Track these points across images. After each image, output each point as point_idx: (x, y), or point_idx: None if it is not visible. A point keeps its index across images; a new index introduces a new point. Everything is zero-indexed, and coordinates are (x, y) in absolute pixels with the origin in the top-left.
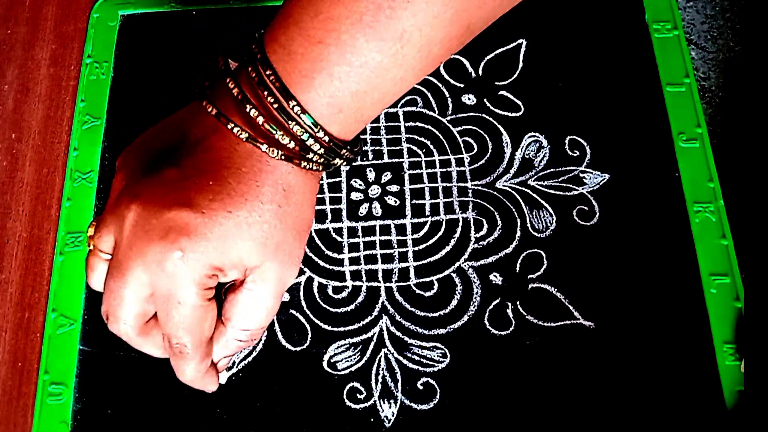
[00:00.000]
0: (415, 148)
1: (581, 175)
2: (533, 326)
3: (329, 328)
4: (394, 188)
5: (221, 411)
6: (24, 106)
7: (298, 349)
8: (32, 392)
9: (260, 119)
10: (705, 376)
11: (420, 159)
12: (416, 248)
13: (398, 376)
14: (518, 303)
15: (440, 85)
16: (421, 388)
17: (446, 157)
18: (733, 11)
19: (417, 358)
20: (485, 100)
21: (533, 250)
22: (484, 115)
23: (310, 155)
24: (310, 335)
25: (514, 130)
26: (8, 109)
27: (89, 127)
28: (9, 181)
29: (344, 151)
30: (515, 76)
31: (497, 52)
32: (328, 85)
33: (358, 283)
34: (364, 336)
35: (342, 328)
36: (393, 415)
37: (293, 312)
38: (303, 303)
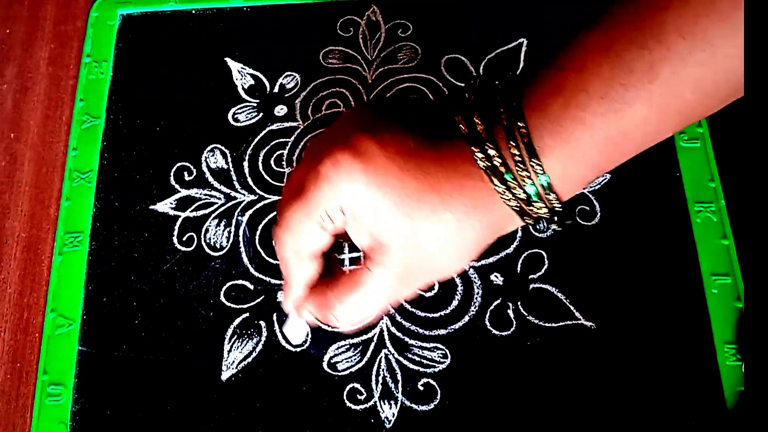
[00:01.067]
0: None
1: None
2: (534, 326)
3: (329, 328)
4: None
5: (221, 412)
6: (23, 106)
7: (298, 349)
8: (31, 393)
9: (497, 161)
10: (705, 376)
11: None
12: None
13: (399, 377)
14: (519, 303)
15: (441, 84)
16: (421, 388)
17: None
18: None
19: (417, 358)
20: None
21: (534, 250)
22: None
23: (517, 191)
24: (310, 336)
25: None
26: (7, 109)
27: (88, 127)
28: (8, 181)
29: (556, 214)
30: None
31: (498, 51)
32: (572, 157)
33: None
34: (365, 336)
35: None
36: (393, 416)
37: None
38: None
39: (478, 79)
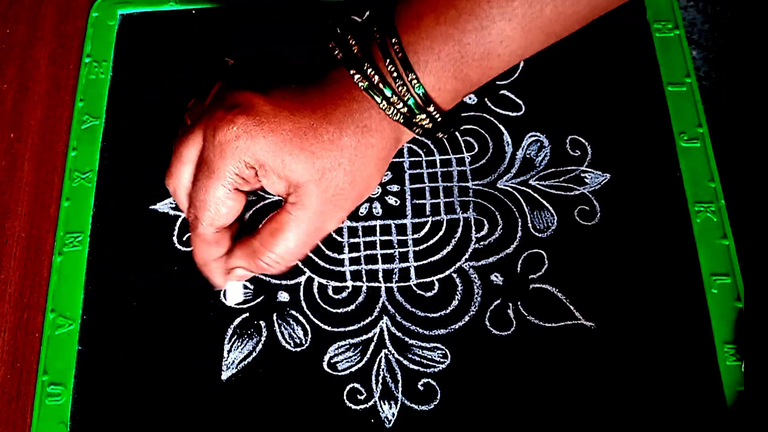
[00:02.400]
0: (415, 147)
1: (582, 174)
2: (534, 327)
3: (329, 328)
4: (394, 188)
5: (221, 412)
6: (23, 106)
7: (298, 349)
8: (31, 392)
9: (376, 78)
10: (705, 376)
11: (420, 158)
12: (417, 248)
13: (399, 377)
14: (519, 303)
15: None
16: (421, 388)
17: (447, 157)
18: (733, 11)
19: (417, 358)
20: (486, 99)
21: (534, 251)
22: (485, 115)
23: (399, 105)
24: (310, 335)
25: (515, 130)
26: (7, 109)
27: (88, 127)
28: (8, 181)
29: (432, 109)
30: (516, 75)
31: None
32: (444, 70)
33: (358, 284)
34: (365, 336)
35: (342, 329)
36: (393, 416)
37: (293, 312)
38: (303, 303)
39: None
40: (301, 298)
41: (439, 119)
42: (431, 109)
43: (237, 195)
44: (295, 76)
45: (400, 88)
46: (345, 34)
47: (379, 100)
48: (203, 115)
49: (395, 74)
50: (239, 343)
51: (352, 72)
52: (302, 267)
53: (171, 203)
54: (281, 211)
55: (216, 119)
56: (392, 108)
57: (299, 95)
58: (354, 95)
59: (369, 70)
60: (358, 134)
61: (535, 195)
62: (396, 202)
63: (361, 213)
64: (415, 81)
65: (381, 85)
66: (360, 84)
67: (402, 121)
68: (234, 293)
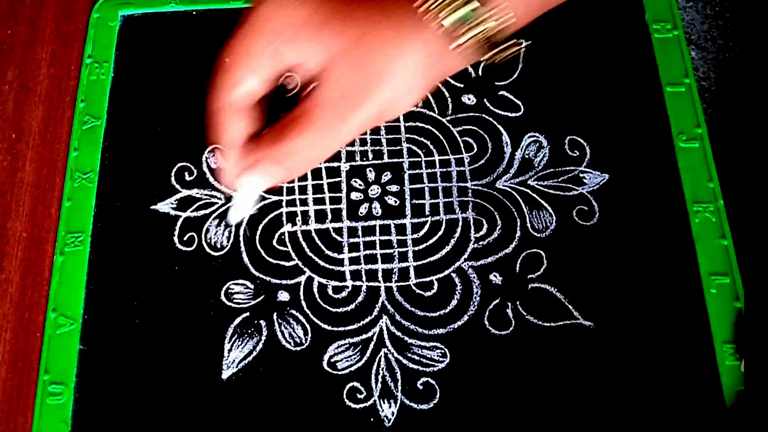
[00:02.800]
0: (415, 148)
1: (581, 175)
2: (533, 326)
3: (329, 327)
4: (394, 188)
5: (221, 411)
6: (24, 106)
7: (298, 348)
8: (32, 392)
9: None
10: (705, 376)
11: (420, 159)
12: (416, 248)
13: (398, 376)
14: (518, 303)
15: (440, 85)
16: (421, 387)
17: (446, 157)
18: (733, 11)
19: (417, 357)
20: (485, 100)
21: (533, 250)
22: (484, 115)
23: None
24: (310, 335)
25: (514, 130)
26: (8, 109)
27: (89, 127)
28: (9, 181)
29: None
30: (515, 76)
31: None
32: None
33: (358, 283)
34: (364, 336)
35: (342, 328)
36: (393, 415)
37: (293, 311)
38: (303, 303)
39: None
40: (301, 297)
41: (493, 32)
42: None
43: (276, 52)
44: None
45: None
46: None
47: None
48: None
49: None
50: (239, 343)
51: None
52: (302, 267)
53: (172, 203)
54: (295, 109)
55: None
56: (447, 11)
57: None
58: None
59: None
60: (404, 29)
61: (534, 195)
62: (395, 202)
63: (361, 213)
64: None
65: None
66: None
67: (452, 27)
68: (241, 206)
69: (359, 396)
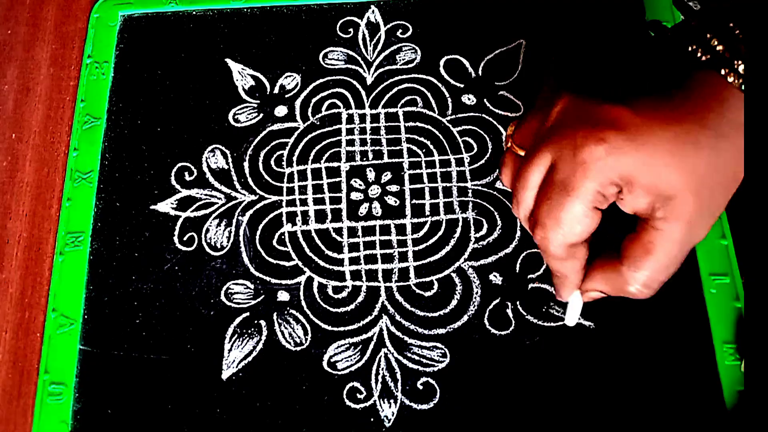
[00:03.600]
0: (415, 148)
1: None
2: (533, 326)
3: (329, 328)
4: (394, 188)
5: (221, 411)
6: (24, 107)
7: (298, 348)
8: (32, 392)
9: (720, 47)
10: (705, 376)
11: (420, 159)
12: (416, 248)
13: (398, 376)
14: (518, 303)
15: (440, 85)
16: (421, 387)
17: (446, 157)
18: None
19: (417, 357)
20: (485, 100)
21: (533, 250)
22: (483, 115)
23: None
24: (310, 335)
25: None
26: (8, 109)
27: (89, 127)
28: (9, 181)
29: None
30: (515, 76)
31: (497, 52)
32: None
33: (358, 283)
34: (364, 336)
35: (342, 328)
36: (393, 415)
37: (293, 311)
38: (303, 303)
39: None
40: (301, 297)
41: None
42: None
43: (594, 212)
44: (637, 82)
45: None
46: (702, 31)
47: (723, 72)
48: (552, 135)
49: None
50: (239, 343)
51: (723, 72)
52: (302, 267)
53: (172, 203)
54: (647, 229)
55: (580, 137)
56: (735, 78)
57: (666, 103)
58: (725, 96)
59: (741, 67)
60: (732, 136)
61: None
62: (395, 202)
63: (361, 213)
64: None
65: (727, 53)
66: (732, 81)
67: None
68: (575, 310)
69: (359, 396)
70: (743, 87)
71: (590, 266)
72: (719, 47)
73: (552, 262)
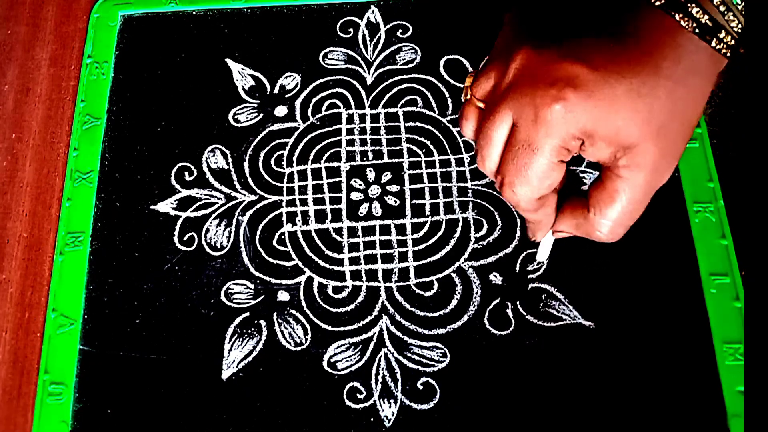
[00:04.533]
0: (415, 148)
1: (581, 174)
2: (533, 326)
3: (329, 328)
4: (394, 188)
5: (221, 411)
6: (24, 107)
7: (298, 348)
8: (32, 392)
9: (705, 18)
10: (705, 375)
11: (420, 159)
12: (416, 248)
13: (398, 376)
14: (518, 303)
15: (440, 85)
16: (421, 387)
17: (446, 157)
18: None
19: (417, 357)
20: None
21: (533, 250)
22: None
23: (722, 34)
24: (310, 335)
25: None
26: (8, 109)
27: (89, 127)
28: (9, 181)
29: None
30: None
31: None
32: None
33: (358, 283)
34: (364, 336)
35: (342, 328)
36: (393, 415)
37: (293, 311)
38: (303, 303)
39: None
40: (301, 297)
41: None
42: (740, 6)
43: (559, 165)
44: (581, 23)
45: (728, 19)
46: None
47: (711, 41)
48: (511, 92)
49: (722, 7)
50: (239, 343)
51: (677, 16)
52: (302, 267)
53: (172, 203)
54: (610, 176)
55: (539, 97)
56: (722, 44)
57: (621, 52)
58: (678, 41)
59: (696, 11)
60: (688, 82)
61: None
62: (395, 202)
63: (361, 213)
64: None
65: (710, 24)
66: (686, 26)
67: (729, 54)
68: (546, 247)
69: (359, 396)
70: (697, 31)
71: (560, 210)
72: None
73: (524, 213)
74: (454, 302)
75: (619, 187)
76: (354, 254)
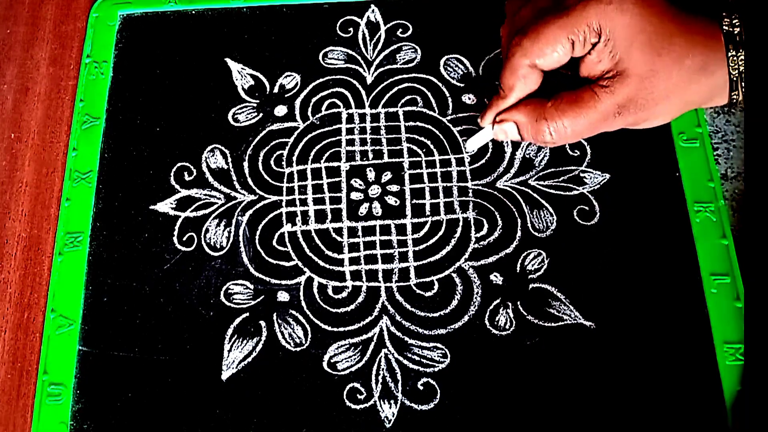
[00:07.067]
0: (415, 147)
1: (582, 174)
2: (533, 326)
3: (329, 328)
4: (394, 188)
5: (221, 411)
6: (23, 106)
7: (298, 349)
8: (31, 392)
9: (736, 30)
10: (705, 376)
11: (420, 159)
12: (416, 248)
13: (398, 377)
14: (518, 303)
15: (440, 84)
16: (421, 388)
17: (446, 157)
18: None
19: (417, 358)
20: (485, 99)
21: (534, 250)
22: None
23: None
24: (310, 335)
25: None
26: (7, 109)
27: (88, 127)
28: (8, 181)
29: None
30: None
31: (497, 51)
32: None
33: (358, 283)
34: (365, 336)
35: (342, 329)
36: (393, 416)
37: (293, 312)
38: (303, 303)
39: None
40: (301, 298)
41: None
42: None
43: (568, 47)
44: None
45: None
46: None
47: (732, 48)
48: None
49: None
50: (239, 343)
51: (723, 14)
52: (302, 267)
53: (171, 203)
54: (587, 89)
55: None
56: (735, 65)
57: (673, 6)
58: (714, 37)
59: (735, 21)
60: (698, 64)
61: (535, 195)
62: (396, 202)
63: (361, 213)
64: None
65: (737, 39)
66: (724, 27)
67: (735, 77)
68: (480, 139)
69: (359, 396)
70: (727, 36)
71: (522, 102)
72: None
73: (506, 74)
74: (454, 302)
75: (587, 99)
76: (354, 254)
